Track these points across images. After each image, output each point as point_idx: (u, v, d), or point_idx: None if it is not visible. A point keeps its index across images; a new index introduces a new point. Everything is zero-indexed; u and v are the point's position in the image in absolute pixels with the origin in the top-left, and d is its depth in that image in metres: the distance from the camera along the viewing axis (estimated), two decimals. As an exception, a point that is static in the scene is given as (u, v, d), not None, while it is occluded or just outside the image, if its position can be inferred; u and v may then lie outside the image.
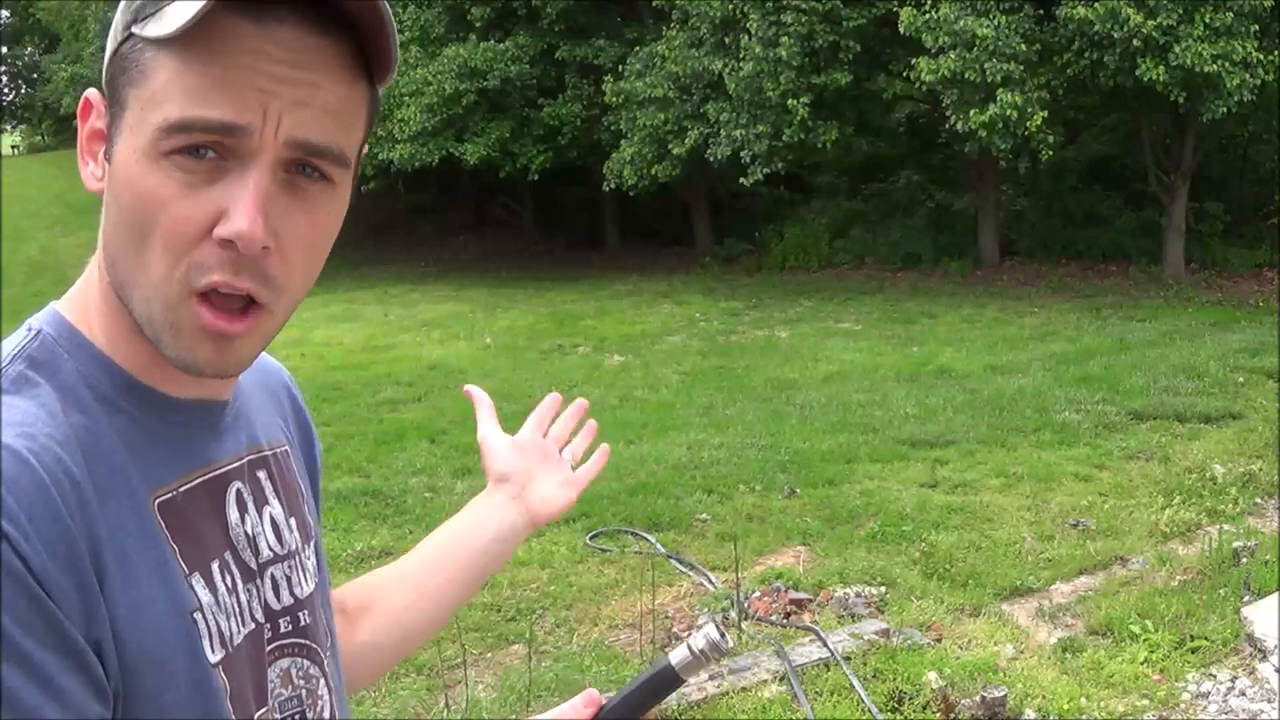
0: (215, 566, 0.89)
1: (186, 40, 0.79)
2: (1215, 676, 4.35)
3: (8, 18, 38.86)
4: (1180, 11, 12.22)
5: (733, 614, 4.74)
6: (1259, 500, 6.28)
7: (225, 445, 0.95)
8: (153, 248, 0.81)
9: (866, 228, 18.64)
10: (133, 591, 0.80)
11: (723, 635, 0.89)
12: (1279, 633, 4.42)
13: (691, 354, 11.58)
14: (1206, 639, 4.53)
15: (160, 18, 0.80)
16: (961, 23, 13.12)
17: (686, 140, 16.27)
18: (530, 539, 6.04)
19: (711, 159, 16.09)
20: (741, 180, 15.92)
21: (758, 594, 5.00)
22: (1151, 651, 4.49)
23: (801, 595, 5.00)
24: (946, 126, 14.79)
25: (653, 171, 16.92)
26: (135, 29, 0.82)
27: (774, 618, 4.79)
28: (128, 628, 0.79)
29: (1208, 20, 12.17)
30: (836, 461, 7.18)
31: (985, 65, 12.99)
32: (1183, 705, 4.18)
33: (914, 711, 4.04)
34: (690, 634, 0.89)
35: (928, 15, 13.55)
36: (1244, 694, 4.24)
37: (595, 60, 18.31)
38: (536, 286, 17.63)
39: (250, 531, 0.95)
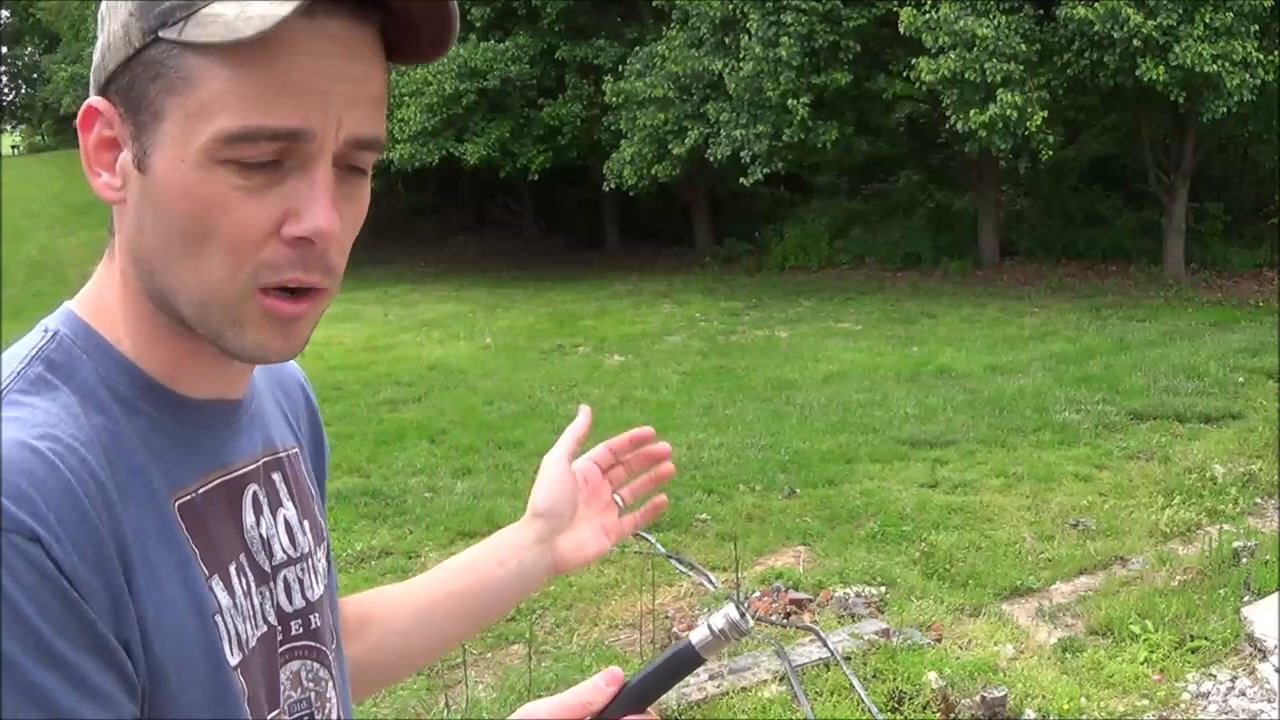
0: (232, 569, 0.89)
1: (239, 45, 0.77)
2: (1215, 676, 4.35)
3: (8, 18, 38.85)
4: (1180, 11, 12.22)
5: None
6: (1259, 500, 6.28)
7: (242, 446, 0.94)
8: (211, 253, 0.80)
9: (866, 228, 18.64)
10: (157, 593, 0.80)
11: (743, 615, 0.91)
12: (1279, 633, 4.42)
13: (691, 354, 11.58)
14: (1206, 639, 4.53)
15: (200, 22, 0.77)
16: (961, 23, 13.12)
17: (686, 140, 16.27)
18: (530, 539, 6.04)
19: (711, 159, 16.09)
20: (741, 180, 15.92)
21: (758, 594, 5.00)
22: (1151, 651, 4.49)
23: (801, 595, 5.00)
24: (946, 126, 14.79)
25: (653, 171, 16.92)
26: (164, 34, 0.79)
27: (774, 618, 4.80)
28: (153, 629, 0.79)
29: (1208, 20, 12.17)
30: (836, 461, 7.18)
31: (985, 65, 12.99)
32: (1183, 705, 4.18)
33: (914, 711, 4.04)
34: (710, 614, 0.90)
35: (928, 15, 13.55)
36: (1244, 694, 4.24)
37: (595, 60, 18.32)
38: (536, 286, 17.64)
39: (264, 534, 0.95)
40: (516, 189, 22.52)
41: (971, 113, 13.20)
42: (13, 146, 43.24)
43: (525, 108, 18.61)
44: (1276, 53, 12.57)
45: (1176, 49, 12.18)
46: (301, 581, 0.98)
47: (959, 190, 18.14)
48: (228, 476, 0.92)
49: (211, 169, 0.79)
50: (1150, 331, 11.44)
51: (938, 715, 4.00)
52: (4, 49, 40.54)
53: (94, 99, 0.84)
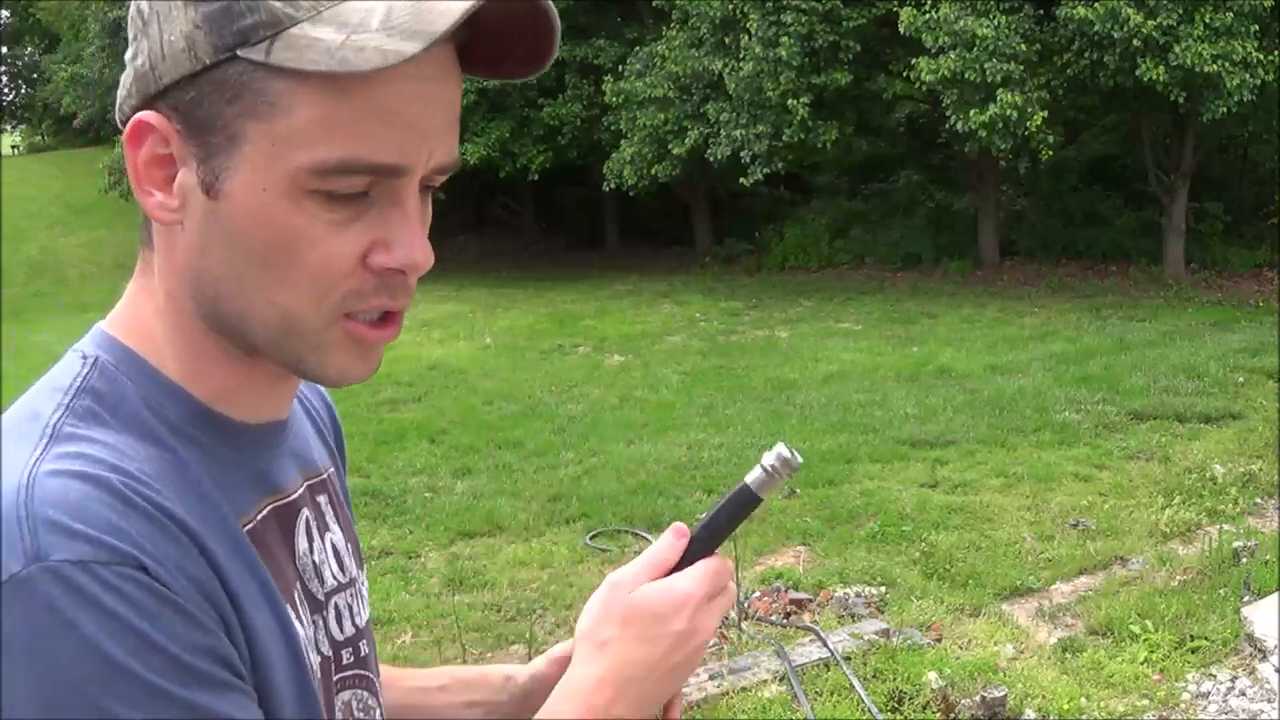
0: (296, 597, 0.86)
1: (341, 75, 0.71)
2: (1215, 676, 4.35)
3: (8, 18, 38.85)
4: (1180, 11, 12.22)
5: (733, 614, 4.74)
6: (1259, 500, 6.28)
7: (288, 469, 0.92)
8: (293, 283, 0.77)
9: (866, 228, 18.63)
10: (256, 620, 0.78)
11: (792, 453, 0.95)
12: (1279, 633, 4.42)
13: (691, 354, 11.58)
14: (1206, 639, 4.53)
15: (291, 45, 0.72)
16: (961, 23, 13.12)
17: (686, 140, 16.27)
18: (530, 539, 6.05)
19: (711, 159, 16.08)
20: (741, 180, 15.91)
21: (758, 594, 5.00)
22: (1151, 651, 4.49)
23: (801, 595, 5.00)
24: (946, 126, 14.78)
25: (653, 171, 16.91)
26: (245, 53, 0.73)
27: (774, 618, 4.80)
28: (258, 657, 0.78)
29: (1208, 20, 12.16)
30: (836, 461, 7.18)
31: (985, 65, 12.99)
32: (1183, 705, 4.18)
33: (914, 711, 4.04)
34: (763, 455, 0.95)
35: (928, 15, 13.55)
36: (1244, 694, 4.24)
37: (595, 60, 18.31)
38: (536, 286, 17.63)
39: (316, 560, 0.92)
40: (516, 189, 22.52)
41: (971, 113, 13.20)
42: (13, 146, 43.19)
43: (525, 108, 18.60)
44: (1276, 53, 12.56)
45: (1176, 49, 12.17)
46: (351, 608, 0.95)
47: (959, 190, 18.14)
48: (279, 502, 0.89)
49: (298, 199, 0.75)
50: (1150, 331, 11.43)
51: (938, 715, 4.00)
52: (4, 49, 40.53)
53: (146, 114, 0.77)
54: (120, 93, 0.80)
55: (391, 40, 0.70)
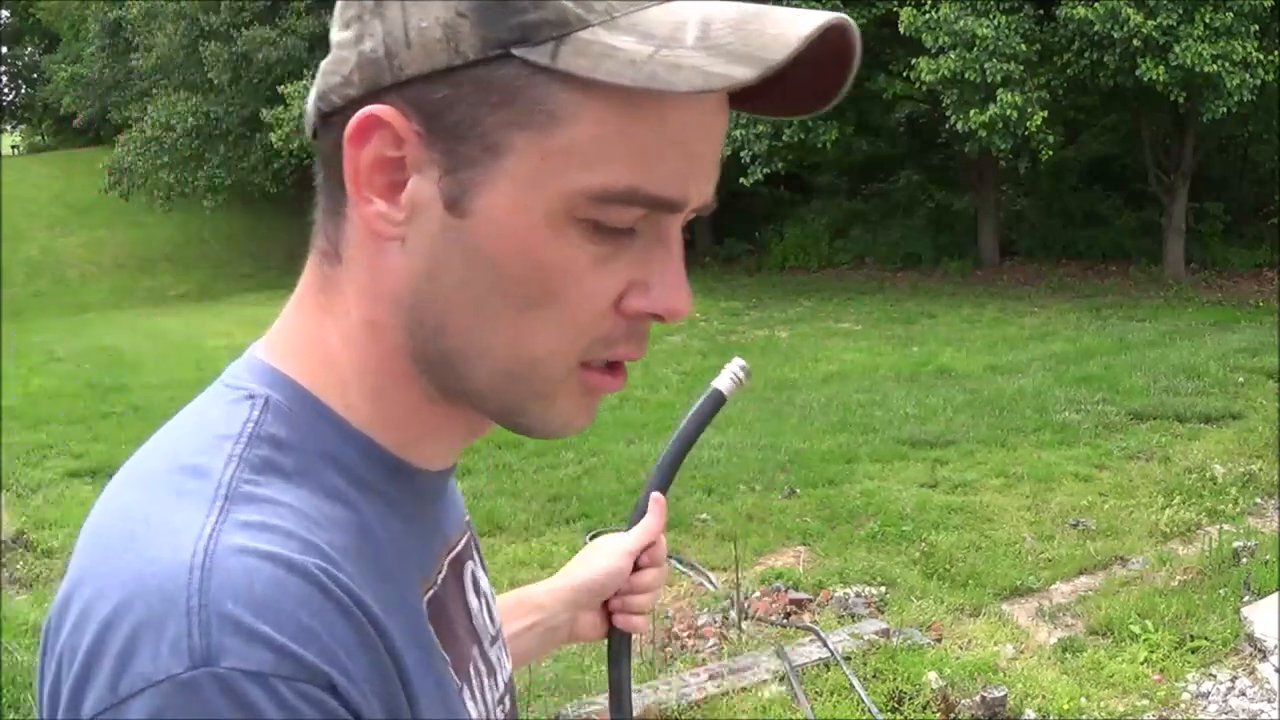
0: (472, 670, 0.78)
1: (653, 95, 0.62)
2: (1215, 676, 4.35)
3: (8, 18, 38.86)
4: (1180, 11, 12.23)
5: (733, 614, 4.74)
6: (1259, 500, 6.28)
7: (454, 516, 0.82)
8: (544, 321, 0.67)
9: (866, 228, 18.65)
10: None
11: (744, 369, 1.17)
12: (1279, 633, 4.42)
13: (691, 354, 11.58)
14: (1206, 639, 4.54)
15: (582, 50, 0.62)
16: (961, 23, 13.12)
17: (686, 140, 16.28)
18: (530, 539, 6.05)
19: (711, 159, 16.09)
20: (741, 180, 15.91)
21: (758, 594, 5.01)
22: (1151, 651, 4.49)
23: (801, 595, 5.00)
24: (946, 126, 14.80)
25: (653, 171, 16.93)
26: (522, 52, 0.63)
27: (774, 618, 4.80)
28: None
29: (1208, 20, 12.18)
30: (836, 461, 7.18)
31: (985, 65, 13.00)
32: (1183, 705, 4.18)
33: (914, 711, 4.04)
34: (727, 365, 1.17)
35: (928, 15, 13.56)
36: (1244, 694, 4.24)
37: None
38: (536, 286, 17.66)
39: (485, 617, 0.83)
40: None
41: (971, 113, 13.21)
42: (13, 146, 43.17)
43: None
44: (1276, 53, 12.58)
45: (1176, 49, 12.19)
46: (500, 659, 0.86)
47: (959, 190, 18.15)
48: (452, 553, 0.80)
49: (562, 227, 0.65)
50: (1150, 331, 11.44)
51: (938, 715, 4.00)
52: (4, 49, 40.55)
53: (379, 108, 0.65)
54: (329, 79, 0.68)
55: (716, 61, 0.61)
